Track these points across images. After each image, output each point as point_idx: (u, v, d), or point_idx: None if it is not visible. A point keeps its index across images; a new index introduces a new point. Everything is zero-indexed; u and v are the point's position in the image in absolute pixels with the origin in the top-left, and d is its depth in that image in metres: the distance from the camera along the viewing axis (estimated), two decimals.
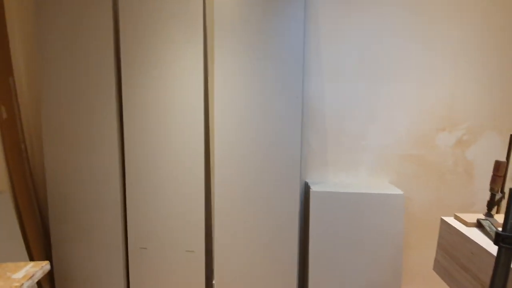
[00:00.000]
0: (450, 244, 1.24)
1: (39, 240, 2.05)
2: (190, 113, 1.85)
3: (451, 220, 1.28)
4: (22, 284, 1.13)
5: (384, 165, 1.96)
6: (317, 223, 1.78)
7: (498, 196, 1.22)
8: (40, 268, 1.25)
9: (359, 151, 1.96)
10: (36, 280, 1.22)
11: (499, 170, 1.19)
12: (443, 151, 1.92)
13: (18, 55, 2.07)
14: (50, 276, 2.04)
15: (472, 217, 1.26)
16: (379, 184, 1.94)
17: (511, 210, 0.87)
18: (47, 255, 2.09)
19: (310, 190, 1.78)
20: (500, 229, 0.89)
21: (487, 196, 1.24)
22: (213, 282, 1.91)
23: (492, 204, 1.23)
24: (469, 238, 1.12)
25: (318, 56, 1.92)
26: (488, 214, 1.24)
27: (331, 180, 1.99)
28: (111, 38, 1.86)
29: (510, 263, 0.86)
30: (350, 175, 1.99)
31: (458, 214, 1.28)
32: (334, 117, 1.95)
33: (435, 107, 1.90)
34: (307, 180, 1.98)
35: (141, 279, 1.96)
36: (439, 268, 1.31)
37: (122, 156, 1.95)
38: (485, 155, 1.92)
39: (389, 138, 1.94)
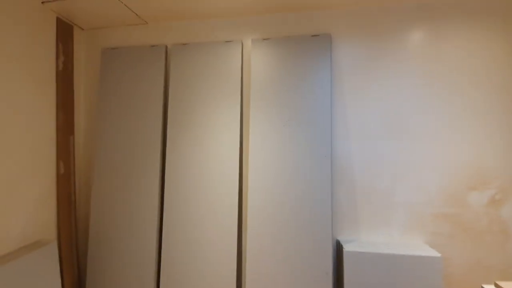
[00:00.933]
0: None
1: None
2: (226, 175, 2.02)
3: None
4: None
5: (416, 224, 1.97)
6: (352, 284, 1.77)
7: None
8: None
9: (389, 209, 2.00)
10: None
11: None
12: (477, 210, 1.92)
13: (80, 118, 2.38)
14: None
15: (511, 285, 1.25)
16: (413, 243, 1.93)
17: None
18: None
19: (344, 250, 1.80)
20: None
21: None
22: None
23: None
24: None
25: (344, 118, 2.07)
26: None
27: (363, 238, 2.01)
28: (160, 108, 2.16)
29: None
30: (382, 233, 2.00)
31: (498, 282, 1.27)
32: (363, 175, 2.03)
33: (462, 165, 1.95)
34: (338, 238, 2.00)
35: None
36: None
37: (160, 220, 2.11)
38: None
39: (419, 196, 1.97)
